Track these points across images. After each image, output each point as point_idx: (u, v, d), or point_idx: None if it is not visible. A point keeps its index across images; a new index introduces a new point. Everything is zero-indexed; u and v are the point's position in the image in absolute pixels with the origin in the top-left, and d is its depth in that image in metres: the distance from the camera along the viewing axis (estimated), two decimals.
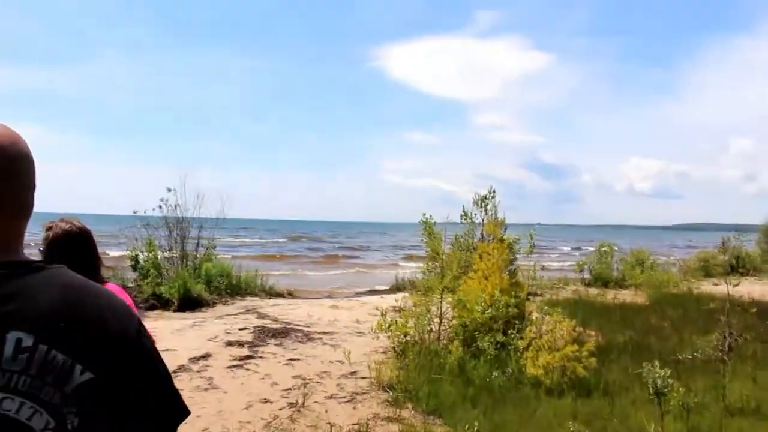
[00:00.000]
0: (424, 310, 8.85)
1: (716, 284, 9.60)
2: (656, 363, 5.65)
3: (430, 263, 17.17)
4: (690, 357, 9.27)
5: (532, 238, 10.85)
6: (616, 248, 23.56)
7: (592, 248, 26.47)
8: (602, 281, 20.36)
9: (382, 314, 8.94)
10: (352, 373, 7.80)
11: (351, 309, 13.83)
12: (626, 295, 17.55)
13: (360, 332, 10.67)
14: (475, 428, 5.46)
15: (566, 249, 58.98)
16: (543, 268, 19.91)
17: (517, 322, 8.79)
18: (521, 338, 8.14)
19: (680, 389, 6.23)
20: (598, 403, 6.70)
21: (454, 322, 9.07)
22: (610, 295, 17.31)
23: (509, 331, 8.51)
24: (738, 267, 27.85)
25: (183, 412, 1.21)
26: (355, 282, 24.43)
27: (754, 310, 10.19)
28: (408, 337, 8.68)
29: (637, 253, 23.80)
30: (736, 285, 9.51)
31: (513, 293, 9.60)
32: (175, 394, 1.22)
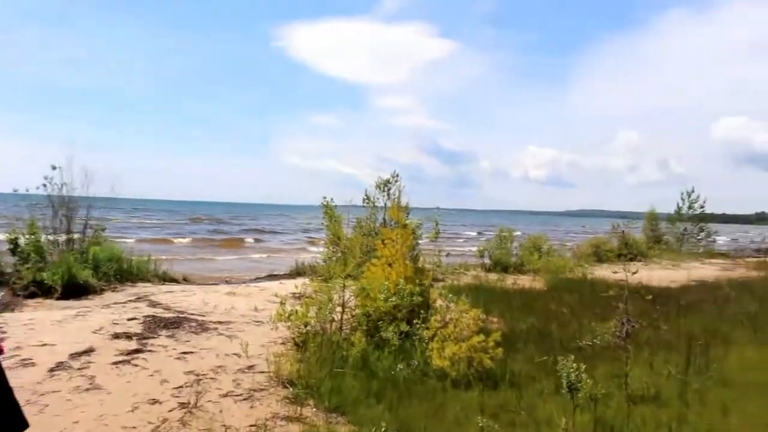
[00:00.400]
0: (326, 299, 8.46)
1: (615, 272, 9.64)
2: (571, 357, 5.51)
3: (331, 248, 16.88)
4: (590, 344, 9.37)
5: (437, 224, 10.64)
6: (517, 233, 24.00)
7: (493, 233, 26.85)
8: (502, 267, 20.62)
9: (282, 302, 8.51)
10: (250, 368, 7.32)
11: (249, 296, 13.25)
12: (525, 281, 17.80)
13: (258, 321, 10.16)
14: (383, 428, 5.14)
15: (472, 234, 59.79)
16: (448, 255, 19.97)
17: (422, 311, 8.57)
18: (426, 328, 7.91)
19: (587, 380, 6.18)
20: (505, 395, 6.55)
21: (357, 311, 8.73)
22: (510, 281, 17.52)
23: (414, 321, 8.26)
24: (627, 252, 29.00)
25: (21, 425, 1.19)
26: (256, 267, 23.75)
27: (650, 297, 10.43)
28: (309, 328, 8.27)
29: (535, 238, 24.30)
30: (634, 273, 9.68)
31: (417, 281, 9.38)
32: (15, 406, 1.23)
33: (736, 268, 25.66)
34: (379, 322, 8.33)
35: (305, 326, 8.25)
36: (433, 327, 7.81)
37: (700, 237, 36.42)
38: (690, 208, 36.73)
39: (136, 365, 7.13)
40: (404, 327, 8.06)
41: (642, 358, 8.19)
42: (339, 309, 8.53)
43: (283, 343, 8.54)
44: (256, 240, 43.79)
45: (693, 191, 37.00)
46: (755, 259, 32.12)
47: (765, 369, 8.07)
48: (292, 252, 31.12)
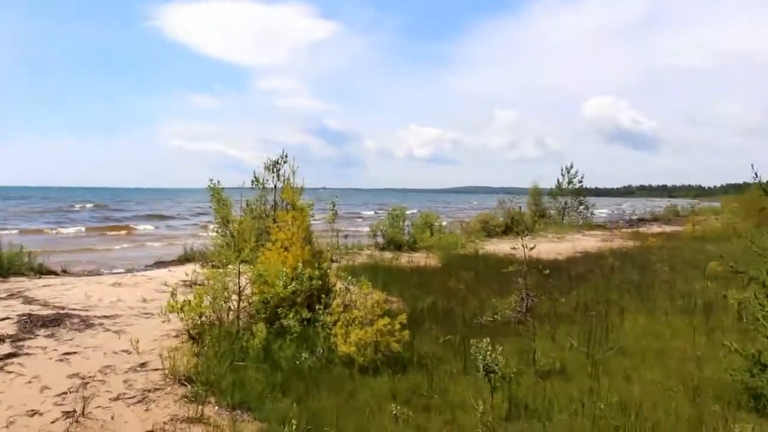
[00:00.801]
0: (220, 287, 7.98)
1: (514, 248, 9.72)
2: (485, 340, 5.38)
3: (220, 231, 16.19)
4: (491, 320, 9.43)
5: (334, 206, 10.33)
6: (411, 211, 24.06)
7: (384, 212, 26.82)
8: (395, 245, 20.61)
9: (172, 293, 7.97)
10: (142, 365, 6.77)
11: (136, 286, 12.48)
12: (419, 258, 17.85)
13: (148, 314, 9.53)
14: (293, 424, 4.83)
15: (370, 213, 59.33)
16: (347, 237, 19.71)
17: (322, 295, 8.28)
18: (329, 313, 7.62)
19: (500, 360, 6.12)
20: (415, 379, 6.39)
21: (255, 298, 8.31)
22: (405, 259, 17.52)
23: (315, 306, 7.96)
24: (513, 227, 29.81)
25: None
26: (146, 254, 22.55)
27: (547, 271, 10.62)
28: (204, 318, 7.79)
29: (426, 216, 24.48)
30: (532, 248, 9.81)
31: (316, 264, 9.06)
32: None
33: (614, 239, 26.96)
34: (278, 309, 7.96)
35: (200, 317, 7.77)
36: (335, 312, 7.53)
37: (580, 210, 38.10)
38: (570, 183, 38.32)
39: (10, 372, 6.41)
40: (305, 313, 7.74)
41: (544, 332, 8.27)
42: (235, 297, 8.09)
43: (176, 336, 8.02)
44: (145, 226, 41.69)
45: (572, 167, 38.61)
46: (630, 230, 33.93)
47: (656, 336, 8.39)
48: (183, 238, 29.80)
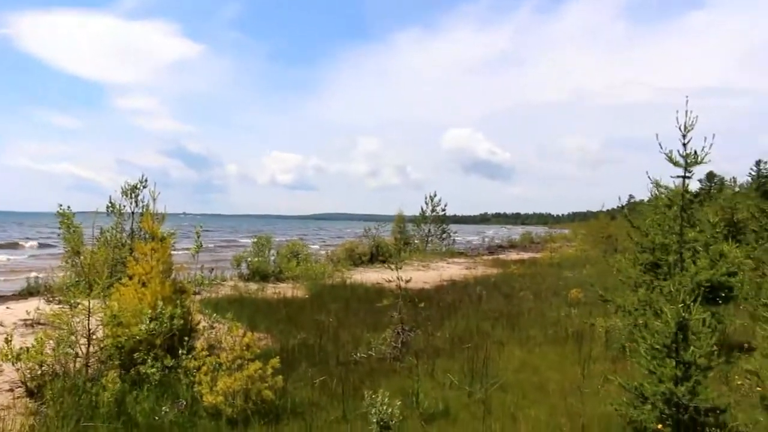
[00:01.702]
0: (67, 332, 7.03)
1: (389, 281, 9.39)
2: (381, 392, 4.93)
3: (70, 264, 14.77)
4: (366, 356, 9.01)
5: (199, 237, 9.54)
6: (279, 239, 23.35)
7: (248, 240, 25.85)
8: (260, 275, 19.81)
9: (7, 340, 6.90)
10: None
11: None
12: (286, 289, 17.22)
13: None
14: None
15: (247, 241, 57.04)
16: (213, 270, 18.66)
17: (185, 337, 7.51)
18: (193, 357, 6.87)
19: (374, 396, 5.70)
20: (291, 430, 5.83)
21: (107, 341, 7.40)
22: (271, 290, 16.83)
23: (178, 350, 7.18)
24: (378, 255, 29.78)
25: None
26: None
27: (422, 304, 10.37)
28: (45, 368, 6.81)
29: (292, 244, 23.87)
30: (408, 281, 9.52)
31: (178, 301, 8.26)
32: None
33: (477, 267, 27.54)
34: (135, 354, 7.13)
35: (41, 366, 6.79)
36: (200, 356, 6.80)
37: (443, 237, 38.84)
38: (433, 210, 39.05)
39: None
40: (168, 361, 6.94)
41: (422, 369, 7.94)
42: (84, 341, 7.15)
43: (10, 390, 6.95)
44: None
45: (435, 195, 39.41)
46: (490, 257, 34.94)
47: (533, 369, 8.31)
48: (28, 269, 27.05)
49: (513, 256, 36.55)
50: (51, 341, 7.01)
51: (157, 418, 5.93)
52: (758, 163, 44.45)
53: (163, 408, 6.07)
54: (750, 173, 44.23)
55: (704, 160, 8.94)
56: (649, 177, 9.66)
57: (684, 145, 8.86)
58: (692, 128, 8.76)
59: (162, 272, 8.52)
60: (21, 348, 6.76)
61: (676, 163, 9.02)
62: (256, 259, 20.72)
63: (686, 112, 8.70)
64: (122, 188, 16.12)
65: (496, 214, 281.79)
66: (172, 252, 9.97)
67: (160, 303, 7.76)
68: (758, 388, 6.55)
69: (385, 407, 4.87)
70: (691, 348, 5.42)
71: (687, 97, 8.70)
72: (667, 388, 5.33)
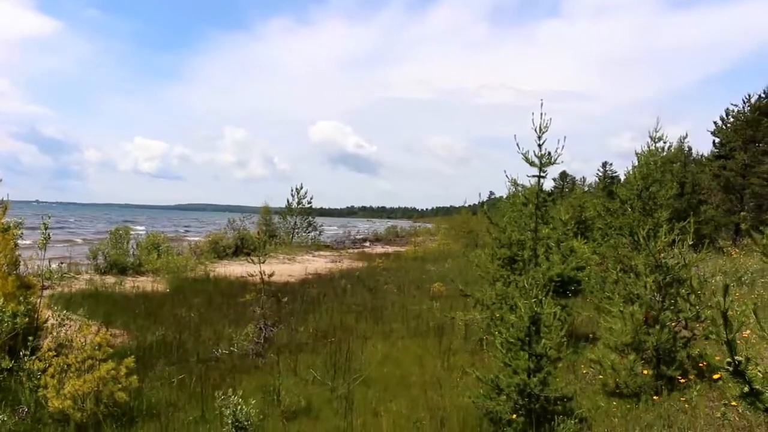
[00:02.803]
0: None
1: (253, 275, 9.24)
2: (234, 391, 4.79)
3: None
4: (227, 352, 8.80)
5: (46, 228, 8.87)
6: (137, 230, 22.29)
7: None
8: (119, 268, 18.84)
9: None
10: None
11: None
12: (145, 283, 16.52)
13: None
14: None
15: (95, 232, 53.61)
16: (61, 264, 17.48)
17: (29, 336, 6.97)
18: (38, 359, 6.39)
19: (226, 396, 5.56)
20: None
21: None
22: (129, 284, 16.07)
23: (20, 350, 6.67)
24: (243, 247, 29.24)
25: None
26: None
27: (286, 299, 10.25)
28: None
29: (153, 236, 22.91)
30: (271, 275, 9.39)
31: (22, 297, 7.68)
32: None
33: (343, 260, 27.68)
34: None
35: None
36: (46, 357, 6.34)
37: (309, 230, 38.68)
38: (299, 203, 38.80)
39: None
40: (6, 363, 6.41)
41: (285, 365, 7.87)
42: None
43: None
44: None
45: (302, 187, 39.18)
46: (356, 251, 35.21)
47: (395, 362, 8.44)
48: None
49: (378, 249, 37.04)
50: None
51: None
52: (605, 164, 47.42)
53: (1, 416, 5.59)
54: (597, 174, 47.18)
55: (557, 161, 9.46)
56: (506, 175, 10.09)
57: (539, 146, 9.32)
58: (547, 130, 9.22)
59: (4, 266, 7.91)
60: None
61: (531, 163, 9.47)
62: (113, 251, 19.67)
63: (541, 114, 9.14)
64: None
65: (362, 207, 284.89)
66: (20, 243, 9.27)
67: (1, 299, 7.18)
68: (600, 376, 7.02)
69: (239, 407, 4.73)
70: (543, 340, 5.70)
71: (542, 100, 9.14)
72: (521, 380, 5.59)
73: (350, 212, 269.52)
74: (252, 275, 9.57)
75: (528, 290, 5.85)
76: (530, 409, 5.61)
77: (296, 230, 38.33)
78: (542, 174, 9.47)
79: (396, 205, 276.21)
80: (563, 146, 9.18)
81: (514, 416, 5.62)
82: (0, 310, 7.00)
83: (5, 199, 8.80)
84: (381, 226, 75.80)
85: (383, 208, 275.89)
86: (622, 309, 7.02)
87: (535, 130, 9.20)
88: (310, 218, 39.12)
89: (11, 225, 8.67)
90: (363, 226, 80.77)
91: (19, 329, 7.10)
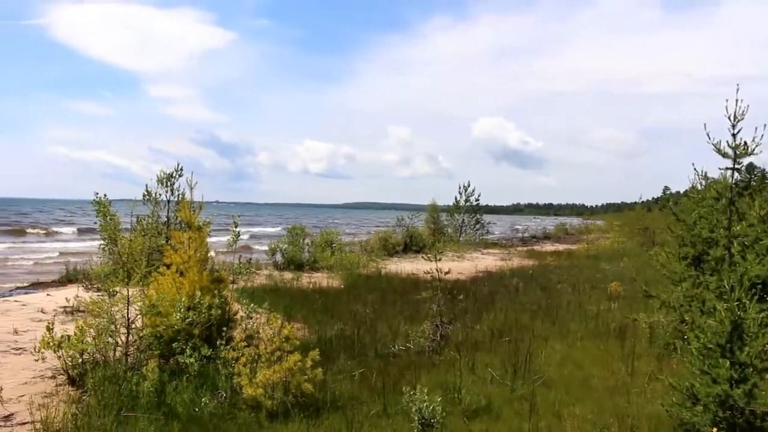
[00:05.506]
0: (107, 321, 7.01)
1: (427, 272, 9.25)
2: (420, 388, 4.81)
3: (106, 250, 14.88)
4: (404, 348, 8.90)
5: (236, 226, 9.48)
6: (309, 229, 23.31)
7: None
8: (295, 264, 19.82)
9: (49, 327, 6.91)
10: (6, 418, 5.75)
11: (7, 314, 11.12)
12: (321, 278, 17.20)
13: (19, 349, 8.37)
14: None
15: (272, 230, 56.80)
16: (250, 260, 18.67)
17: (223, 327, 7.45)
18: (232, 348, 6.81)
19: (413, 393, 5.58)
20: (331, 424, 5.71)
21: (146, 331, 7.39)
22: (306, 280, 16.81)
23: (215, 339, 7.14)
24: (412, 245, 29.64)
25: None
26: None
27: (461, 297, 10.21)
28: (86, 356, 6.82)
29: (327, 234, 23.83)
30: (447, 273, 9.38)
31: (215, 291, 8.23)
32: None
33: (512, 258, 27.25)
34: (173, 344, 7.11)
35: (81, 355, 6.80)
36: (238, 346, 6.73)
37: (477, 228, 38.52)
38: (467, 200, 38.74)
39: None
40: (205, 350, 6.89)
41: (462, 363, 7.81)
42: (123, 330, 7.15)
43: (53, 378, 7.00)
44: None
45: (469, 185, 39.08)
46: (525, 248, 34.55)
47: (575, 364, 8.10)
48: (64, 254, 27.29)
49: (548, 247, 36.13)
50: (91, 330, 7.00)
51: (197, 409, 5.89)
52: None
53: (203, 399, 6.03)
54: None
55: (754, 151, 8.64)
56: (695, 169, 9.39)
57: (733, 135, 8.56)
58: (742, 118, 8.45)
59: (199, 261, 8.50)
60: (62, 336, 6.78)
61: (724, 155, 8.71)
62: (290, 248, 20.71)
63: (736, 101, 8.37)
64: (158, 177, 16.27)
65: (528, 204, 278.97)
66: (209, 239, 9.96)
67: (198, 293, 7.74)
68: None
69: (425, 404, 4.72)
70: (747, 348, 5.21)
71: (738, 85, 8.38)
72: (723, 390, 5.13)
73: (516, 209, 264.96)
74: (426, 272, 9.59)
75: (728, 292, 5.37)
76: (733, 423, 5.14)
77: (464, 228, 38.31)
78: (737, 166, 8.70)
79: (563, 202, 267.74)
80: (762, 135, 8.36)
81: (714, 430, 5.17)
82: (198, 303, 7.56)
83: (199, 200, 9.48)
84: (549, 223, 73.94)
85: (550, 204, 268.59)
86: None
87: (729, 118, 8.44)
88: (477, 216, 38.94)
89: (203, 224, 9.32)
90: (530, 224, 79.21)
91: (214, 320, 7.63)
